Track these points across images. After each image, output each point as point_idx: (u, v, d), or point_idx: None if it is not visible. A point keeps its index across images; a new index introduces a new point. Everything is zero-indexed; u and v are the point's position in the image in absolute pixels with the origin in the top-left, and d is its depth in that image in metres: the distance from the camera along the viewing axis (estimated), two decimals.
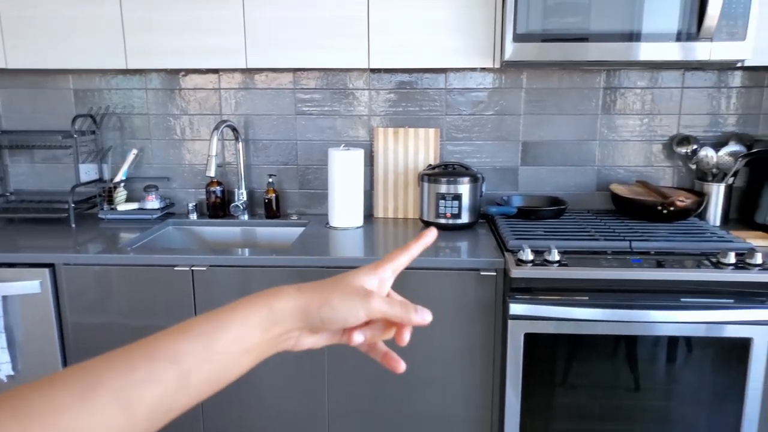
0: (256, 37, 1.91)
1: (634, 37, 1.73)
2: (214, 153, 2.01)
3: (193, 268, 1.75)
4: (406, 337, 0.55)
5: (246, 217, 2.27)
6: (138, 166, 2.34)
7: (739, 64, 1.80)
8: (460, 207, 2.00)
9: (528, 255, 1.61)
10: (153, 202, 2.24)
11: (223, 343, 0.46)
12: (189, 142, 2.32)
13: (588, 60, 1.75)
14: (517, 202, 2.23)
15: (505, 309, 1.66)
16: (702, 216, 2.07)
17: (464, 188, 2.00)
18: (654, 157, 2.24)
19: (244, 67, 1.93)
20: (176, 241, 2.22)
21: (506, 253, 1.70)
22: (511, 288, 1.62)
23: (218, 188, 2.27)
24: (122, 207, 2.23)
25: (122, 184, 2.28)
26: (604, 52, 1.73)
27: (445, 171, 2.07)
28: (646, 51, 1.73)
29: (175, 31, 1.92)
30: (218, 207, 2.28)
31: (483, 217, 2.19)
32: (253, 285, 1.77)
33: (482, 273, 1.69)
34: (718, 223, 2.07)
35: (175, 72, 2.27)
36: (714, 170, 2.08)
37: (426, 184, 2.04)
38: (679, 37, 1.71)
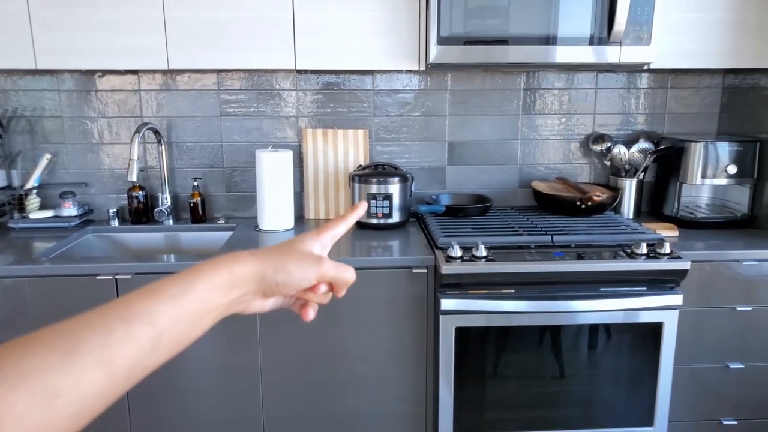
0: (178, 37, 1.85)
1: (550, 40, 1.81)
2: (135, 157, 1.94)
3: (117, 277, 1.68)
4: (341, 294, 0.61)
5: (171, 222, 2.20)
6: (52, 171, 2.22)
7: (645, 67, 1.93)
8: (390, 207, 2.03)
9: (457, 252, 1.65)
10: (70, 209, 2.13)
11: (191, 304, 0.48)
12: (108, 146, 2.22)
13: (508, 62, 1.82)
14: (446, 200, 2.28)
15: (436, 305, 1.70)
16: (617, 210, 2.20)
17: (394, 188, 2.03)
18: (572, 154, 2.35)
19: (165, 68, 1.87)
20: (97, 249, 2.12)
21: (436, 251, 1.74)
22: (442, 284, 1.66)
23: (141, 193, 2.19)
24: (35, 215, 2.11)
25: (34, 191, 2.16)
26: (523, 54, 1.80)
27: (375, 171, 2.09)
28: (562, 54, 1.82)
29: (91, 30, 1.83)
30: (141, 212, 2.20)
31: (413, 216, 2.23)
32: None
33: (414, 271, 1.72)
34: (631, 216, 2.20)
35: (90, 73, 2.16)
36: (626, 166, 2.21)
37: (357, 185, 2.06)
38: (591, 41, 1.81)
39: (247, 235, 2.03)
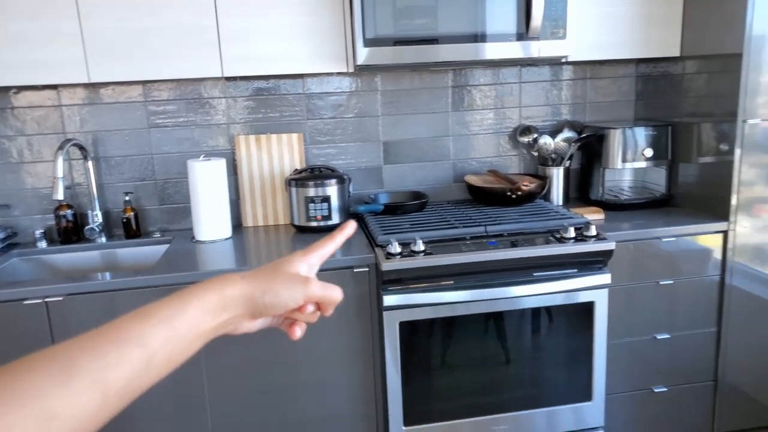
0: (97, 49, 1.80)
1: (477, 38, 1.87)
2: (60, 174, 1.87)
3: (47, 300, 1.62)
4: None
5: (103, 239, 2.13)
6: None
7: (563, 60, 2.02)
8: (329, 209, 2.04)
9: (396, 248, 1.68)
10: None
11: (182, 326, 0.50)
12: (29, 165, 2.13)
13: (436, 61, 1.87)
14: (384, 199, 2.31)
15: (379, 301, 1.72)
16: (546, 197, 2.29)
17: (332, 190, 2.04)
18: (501, 147, 2.43)
19: (86, 81, 1.81)
20: (24, 274, 2.03)
21: (376, 249, 1.76)
22: (383, 281, 1.69)
23: (69, 212, 2.11)
24: None
25: None
26: (453, 52, 1.86)
27: (311, 174, 2.10)
28: (488, 50, 1.88)
29: (3, 44, 1.75)
30: (71, 232, 2.12)
31: (352, 216, 2.25)
32: (117, 310, 1.67)
33: (356, 270, 1.75)
34: (560, 203, 2.30)
35: (4, 90, 2.07)
36: (553, 155, 2.31)
37: (294, 189, 2.06)
38: (513, 37, 1.88)
39: (184, 247, 2.00)
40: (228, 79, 2.20)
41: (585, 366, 1.85)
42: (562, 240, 1.77)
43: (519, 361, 1.82)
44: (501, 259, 1.71)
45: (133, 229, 2.17)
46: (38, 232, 2.10)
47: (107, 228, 2.20)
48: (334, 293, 0.60)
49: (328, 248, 0.64)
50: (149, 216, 2.25)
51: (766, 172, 1.92)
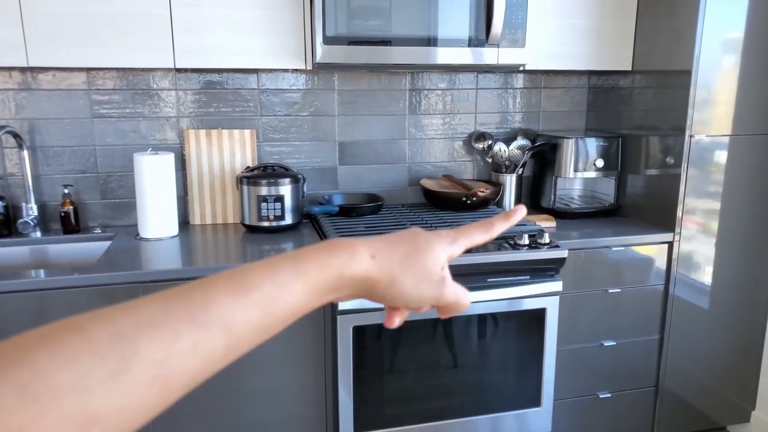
0: (39, 32, 1.69)
1: (432, 42, 1.87)
2: None
3: None
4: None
5: (38, 234, 2.01)
6: None
7: (521, 68, 2.04)
8: (282, 208, 1.99)
9: None
10: None
11: (282, 311, 0.40)
12: None
13: (392, 63, 1.85)
14: (338, 200, 2.28)
15: (334, 306, 1.69)
16: (499, 204, 2.31)
17: (286, 189, 1.99)
18: (456, 152, 2.44)
19: (24, 65, 1.70)
20: None
21: None
22: None
23: (0, 203, 1.97)
24: None
25: None
26: (407, 55, 1.84)
27: (264, 173, 2.04)
28: (444, 55, 1.88)
29: None
30: (2, 225, 1.98)
31: (306, 217, 2.20)
32: (53, 310, 1.57)
33: None
34: None
35: None
36: (506, 162, 2.34)
37: (246, 187, 2.00)
38: (471, 43, 1.89)
39: (127, 244, 1.90)
40: (179, 70, 2.11)
41: (534, 372, 1.87)
42: (516, 247, 1.78)
43: (470, 366, 1.82)
44: (456, 264, 1.70)
45: (71, 224, 2.05)
46: None
47: (43, 222, 2.07)
48: (464, 302, 0.50)
49: (479, 238, 0.52)
50: (90, 210, 2.13)
51: (708, 185, 2.00)
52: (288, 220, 2.02)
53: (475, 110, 2.43)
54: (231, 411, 1.75)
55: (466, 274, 1.74)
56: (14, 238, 1.98)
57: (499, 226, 0.53)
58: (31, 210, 2.01)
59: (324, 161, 2.31)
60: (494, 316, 1.80)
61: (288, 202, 2.01)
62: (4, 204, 1.98)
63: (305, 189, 2.15)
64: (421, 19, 1.83)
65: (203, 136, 2.14)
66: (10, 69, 1.97)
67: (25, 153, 1.99)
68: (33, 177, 2.04)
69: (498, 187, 2.21)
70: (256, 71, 2.18)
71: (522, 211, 0.55)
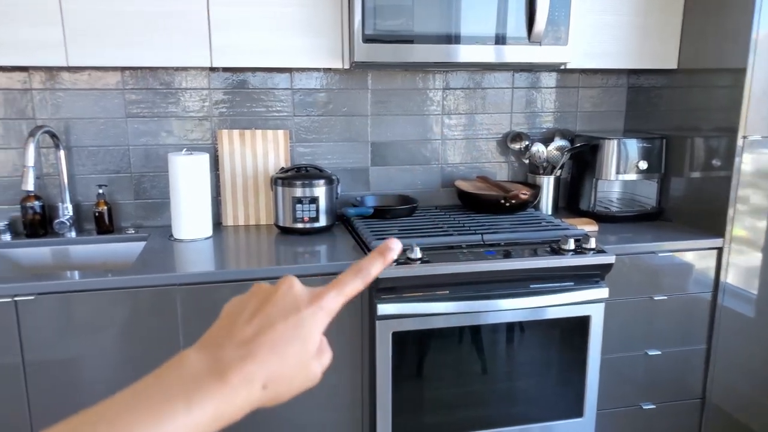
0: (79, 31, 1.68)
1: (473, 40, 1.81)
2: (30, 163, 1.74)
3: (16, 299, 1.49)
4: None
5: (73, 234, 2.00)
6: None
7: (562, 67, 1.98)
8: (317, 210, 1.96)
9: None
10: None
11: None
12: None
13: (433, 61, 1.81)
14: (370, 201, 2.24)
15: (372, 310, 1.65)
16: (537, 206, 2.25)
17: (320, 191, 1.96)
18: (491, 153, 2.39)
19: (64, 64, 1.68)
20: None
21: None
22: (377, 289, 1.61)
23: (37, 203, 1.97)
24: None
25: None
26: (447, 53, 1.80)
27: (299, 174, 2.01)
28: (485, 53, 1.83)
29: None
30: (38, 224, 1.98)
31: (340, 219, 2.17)
32: (92, 312, 1.55)
33: None
34: (549, 212, 2.27)
35: None
36: (544, 164, 2.27)
37: (280, 188, 1.97)
38: (517, 41, 1.83)
39: (162, 245, 1.88)
40: (213, 69, 2.09)
41: (577, 381, 1.81)
42: (560, 252, 1.72)
43: (511, 375, 1.77)
44: (500, 269, 1.66)
45: (105, 224, 2.04)
46: (2, 224, 1.95)
47: (77, 222, 2.06)
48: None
49: (353, 287, 0.44)
50: (123, 211, 2.12)
51: (761, 189, 1.92)
52: (322, 222, 1.98)
53: (511, 110, 2.37)
54: (261, 413, 1.72)
55: (508, 280, 1.69)
56: (50, 237, 1.97)
57: (374, 269, 0.45)
58: (66, 210, 2.01)
59: (356, 162, 2.27)
60: (536, 324, 1.74)
61: (322, 203, 1.97)
62: (40, 204, 1.97)
63: (339, 190, 2.11)
64: (464, 17, 1.79)
65: (236, 136, 2.12)
66: (47, 69, 1.96)
67: (61, 153, 1.98)
68: (68, 177, 2.03)
69: (537, 189, 2.16)
70: (289, 71, 2.15)
71: (396, 245, 0.47)
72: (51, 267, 1.96)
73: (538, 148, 2.26)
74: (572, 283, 1.73)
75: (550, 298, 1.70)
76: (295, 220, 1.96)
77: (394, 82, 2.24)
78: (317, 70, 2.17)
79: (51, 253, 1.96)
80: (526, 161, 2.33)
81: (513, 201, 2.03)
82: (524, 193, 2.02)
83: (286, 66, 1.84)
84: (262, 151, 2.15)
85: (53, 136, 1.94)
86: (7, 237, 1.95)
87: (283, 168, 2.11)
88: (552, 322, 1.74)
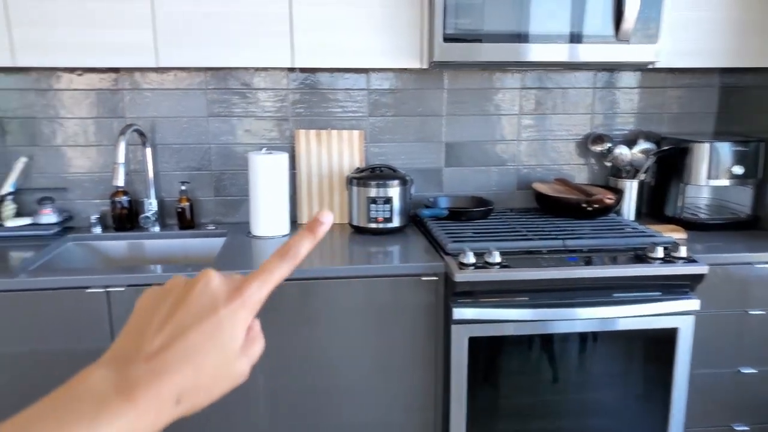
0: (168, 33, 1.74)
1: (560, 38, 1.76)
2: (121, 160, 1.82)
3: (108, 290, 1.56)
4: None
5: (157, 228, 2.08)
6: (28, 176, 2.07)
7: (650, 66, 1.89)
8: (391, 211, 1.95)
9: (470, 258, 1.58)
10: (49, 216, 1.99)
11: None
12: (87, 149, 2.09)
13: (514, 61, 1.76)
14: (443, 203, 2.21)
15: (447, 314, 1.62)
16: (619, 212, 2.16)
17: (394, 191, 1.95)
18: (569, 155, 2.31)
19: (154, 65, 1.75)
20: (79, 259, 1.99)
21: (446, 257, 1.66)
22: (454, 292, 1.59)
23: (124, 198, 2.06)
24: (11, 223, 1.97)
25: (10, 197, 2.01)
26: (539, 53, 1.74)
27: (374, 174, 2.01)
28: (580, 52, 1.77)
29: (73, 25, 1.70)
30: (125, 219, 2.07)
31: (413, 220, 2.16)
32: None
33: (423, 278, 1.65)
34: (632, 218, 2.17)
35: (68, 70, 2.03)
36: (627, 167, 2.18)
37: (355, 188, 1.97)
38: (602, 39, 1.76)
39: (241, 241, 1.93)
40: (291, 70, 2.12)
41: (662, 398, 1.72)
42: (647, 260, 1.64)
43: (590, 387, 1.70)
44: (582, 276, 1.59)
45: (187, 220, 2.11)
46: (93, 218, 2.05)
47: (161, 217, 2.15)
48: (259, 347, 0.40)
49: (280, 271, 0.41)
50: (203, 207, 2.19)
51: None
52: (395, 222, 1.98)
53: (592, 111, 2.29)
54: (337, 407, 1.72)
55: (591, 288, 1.62)
56: (136, 231, 2.06)
57: (303, 248, 0.41)
58: (151, 205, 2.09)
59: (429, 162, 2.25)
60: (619, 334, 1.66)
61: (396, 204, 1.96)
62: (128, 199, 2.06)
63: (413, 191, 2.10)
64: (559, 14, 1.73)
65: (313, 136, 2.14)
66: (136, 69, 2.05)
67: (148, 150, 2.06)
68: (154, 173, 2.11)
69: (620, 193, 2.07)
70: (366, 71, 2.15)
71: (328, 219, 0.42)
72: (136, 259, 2.04)
73: (622, 151, 2.16)
74: (659, 293, 1.64)
75: (635, 308, 1.62)
76: (369, 220, 1.97)
77: (470, 82, 2.20)
78: (393, 70, 2.16)
79: (136, 246, 2.04)
80: (608, 164, 2.24)
81: (596, 205, 1.95)
82: (609, 198, 1.94)
83: (364, 66, 1.84)
84: (337, 151, 2.16)
85: (141, 134, 2.03)
86: (98, 230, 2.05)
87: (358, 168, 2.12)
88: (636, 333, 1.66)
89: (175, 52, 1.75)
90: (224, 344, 0.37)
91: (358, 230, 2.01)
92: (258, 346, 0.40)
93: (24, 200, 2.07)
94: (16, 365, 1.58)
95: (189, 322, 0.37)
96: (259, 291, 0.39)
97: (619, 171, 2.21)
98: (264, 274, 0.40)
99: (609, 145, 2.21)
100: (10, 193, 2.00)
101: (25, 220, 1.98)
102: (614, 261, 1.64)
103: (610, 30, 1.77)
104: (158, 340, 0.36)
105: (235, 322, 0.38)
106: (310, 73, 2.13)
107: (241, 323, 0.38)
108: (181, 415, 0.37)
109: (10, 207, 2.00)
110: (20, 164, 2.02)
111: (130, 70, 2.05)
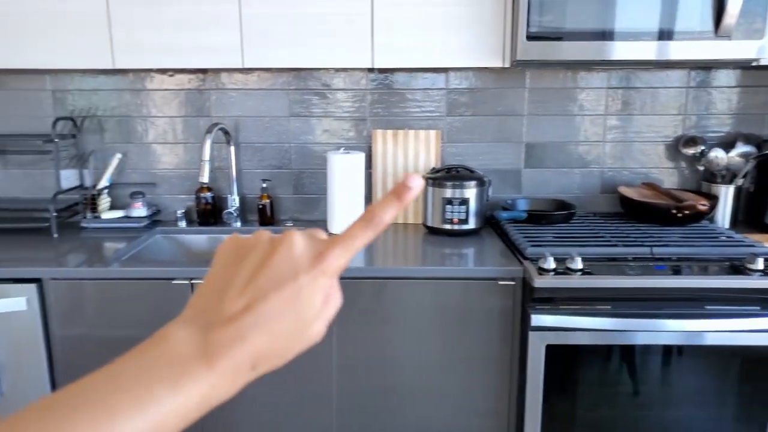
0: (253, 35, 1.79)
1: (652, 35, 1.67)
2: (207, 157, 1.89)
3: (192, 281, 1.63)
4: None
5: (239, 224, 2.15)
6: (121, 171, 2.20)
7: (754, 63, 1.76)
8: (467, 212, 1.92)
9: (550, 263, 1.53)
10: (140, 210, 2.10)
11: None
12: (175, 146, 2.19)
13: (601, 59, 1.69)
14: (523, 205, 2.15)
15: (525, 320, 1.58)
16: (712, 219, 2.02)
17: (471, 192, 1.92)
18: (658, 158, 2.19)
19: (240, 66, 1.81)
20: (165, 251, 2.09)
21: (525, 262, 1.62)
22: (533, 298, 1.54)
23: (209, 194, 2.14)
24: (107, 215, 2.09)
25: (105, 191, 2.14)
26: (628, 51, 1.66)
27: (450, 174, 1.99)
28: (673, 50, 1.67)
29: (166, 29, 1.79)
30: (209, 214, 2.15)
31: (490, 222, 2.11)
32: None
33: (500, 282, 1.61)
34: (727, 226, 2.03)
35: (161, 71, 2.13)
36: (723, 172, 2.04)
37: (430, 189, 1.96)
38: (700, 35, 1.66)
39: None
40: (370, 70, 2.13)
41: (759, 421, 1.60)
42: (745, 271, 1.52)
43: (675, 404, 1.60)
44: (671, 287, 1.50)
45: (267, 216, 2.17)
46: (179, 212, 2.15)
47: (242, 213, 2.22)
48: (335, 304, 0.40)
49: (362, 239, 0.39)
50: (282, 204, 2.24)
51: None
52: (471, 224, 1.94)
53: (685, 111, 2.16)
54: (412, 409, 1.72)
55: (680, 299, 1.53)
56: (218, 226, 2.13)
57: (388, 215, 0.39)
58: (234, 201, 2.16)
59: (508, 163, 2.20)
60: (709, 350, 1.56)
61: (473, 205, 1.93)
62: (212, 195, 2.15)
63: (490, 192, 2.06)
64: (650, 9, 1.64)
65: (390, 136, 2.15)
66: (223, 70, 2.13)
67: (232, 149, 2.14)
68: (236, 171, 2.19)
69: (714, 199, 1.94)
70: (445, 70, 2.13)
71: (417, 183, 0.39)
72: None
73: (717, 154, 2.03)
74: (758, 308, 1.52)
75: (730, 322, 1.51)
76: (444, 221, 1.94)
77: (553, 81, 2.13)
78: (472, 69, 2.13)
79: (218, 240, 2.12)
80: (701, 168, 2.10)
81: (687, 212, 1.84)
82: (703, 204, 1.82)
83: (445, 66, 1.82)
84: (413, 151, 2.15)
85: (225, 132, 2.10)
86: (183, 224, 2.14)
87: (434, 168, 2.10)
88: (730, 349, 1.55)
89: (260, 53, 1.80)
90: (302, 310, 0.37)
91: (432, 231, 2.00)
92: (333, 307, 0.40)
93: (117, 194, 2.20)
94: (105, 348, 1.68)
95: (270, 287, 0.37)
96: (340, 258, 0.39)
97: (714, 176, 2.07)
98: (346, 241, 0.39)
99: (702, 147, 2.07)
100: (105, 187, 2.13)
101: (119, 213, 2.10)
102: (706, 271, 1.53)
103: (708, 25, 1.66)
104: (239, 303, 0.37)
105: (314, 290, 0.38)
106: (388, 73, 2.13)
107: (319, 290, 0.38)
108: (256, 377, 0.37)
109: (105, 200, 2.13)
110: (115, 160, 2.14)
111: (217, 71, 2.13)
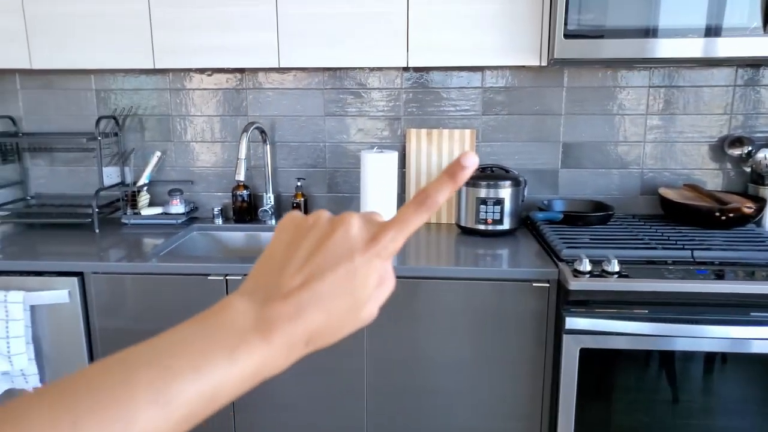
0: (290, 34, 1.81)
1: (697, 32, 1.61)
2: (243, 156, 1.92)
3: (227, 278, 1.66)
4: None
5: (274, 222, 2.17)
6: (160, 169, 2.25)
7: None
8: (502, 212, 1.89)
9: (586, 265, 1.50)
10: (177, 207, 2.15)
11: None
12: (213, 144, 2.23)
13: (644, 57, 1.64)
14: (559, 206, 2.11)
15: (559, 322, 1.55)
16: (759, 223, 1.95)
17: (506, 192, 1.89)
18: (701, 159, 2.12)
19: (276, 66, 1.83)
20: (202, 247, 2.13)
21: (560, 263, 1.59)
22: (567, 301, 1.51)
23: (245, 192, 2.18)
24: (146, 211, 2.15)
25: (145, 188, 2.20)
26: (674, 49, 1.61)
27: (484, 174, 1.97)
28: (719, 47, 1.62)
29: (204, 29, 1.82)
30: (244, 212, 2.18)
31: (526, 223, 2.08)
32: None
33: (534, 284, 1.59)
34: None
35: (199, 71, 2.18)
36: None
37: (464, 188, 1.94)
38: (748, 32, 1.60)
39: None
40: (405, 69, 2.12)
41: None
42: None
43: (719, 413, 1.55)
44: (713, 292, 1.45)
45: None
46: (216, 209, 2.19)
47: (277, 211, 2.24)
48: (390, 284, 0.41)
49: (418, 220, 0.39)
50: (316, 203, 2.26)
51: None
52: (506, 225, 1.92)
53: (731, 111, 2.08)
54: (442, 411, 1.70)
55: (722, 305, 1.47)
56: (254, 224, 2.16)
57: (442, 196, 0.39)
58: (269, 200, 2.19)
59: (544, 163, 2.16)
60: (755, 358, 1.50)
61: (507, 205, 1.91)
62: (248, 193, 2.18)
63: (525, 192, 2.03)
64: (695, 5, 1.59)
65: (424, 135, 2.14)
66: (259, 70, 2.15)
67: (268, 147, 2.16)
68: (272, 169, 2.21)
69: (762, 202, 1.86)
70: (480, 69, 2.11)
71: (471, 161, 0.38)
72: (253, 250, 2.15)
73: (766, 155, 1.95)
74: None
75: None
76: (478, 221, 1.92)
77: (592, 79, 2.09)
78: (509, 67, 2.10)
79: (253, 237, 2.15)
80: (748, 169, 2.03)
81: (731, 214, 1.77)
82: (748, 207, 1.75)
83: (480, 64, 1.80)
84: (447, 150, 2.14)
85: (262, 131, 2.13)
86: (219, 221, 2.18)
87: None
88: None
89: (296, 52, 1.82)
90: (356, 290, 0.38)
91: (466, 231, 1.98)
92: (387, 288, 0.40)
93: (156, 191, 2.25)
94: (142, 341, 1.71)
95: (326, 266, 0.38)
96: (395, 240, 0.39)
97: (761, 177, 1.99)
98: (400, 223, 0.39)
99: (750, 148, 2.00)
100: (145, 185, 2.19)
101: (157, 210, 2.15)
102: (752, 276, 1.48)
103: (757, 21, 1.60)
104: (297, 279, 0.38)
105: (369, 271, 0.39)
106: (423, 72, 2.13)
107: (374, 271, 0.39)
108: (308, 353, 0.38)
109: (145, 197, 2.19)
110: (155, 158, 2.19)
111: (254, 71, 2.16)
